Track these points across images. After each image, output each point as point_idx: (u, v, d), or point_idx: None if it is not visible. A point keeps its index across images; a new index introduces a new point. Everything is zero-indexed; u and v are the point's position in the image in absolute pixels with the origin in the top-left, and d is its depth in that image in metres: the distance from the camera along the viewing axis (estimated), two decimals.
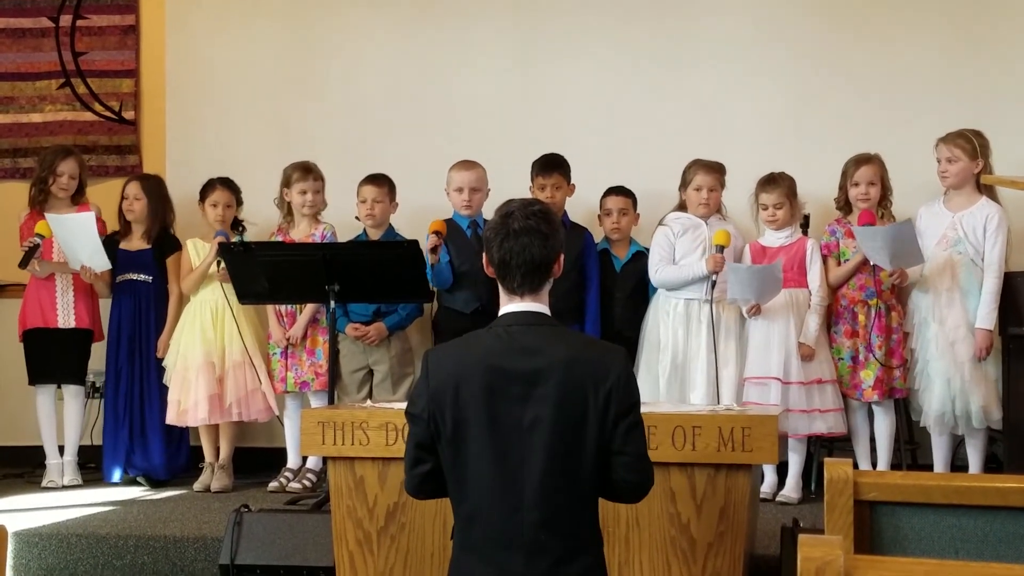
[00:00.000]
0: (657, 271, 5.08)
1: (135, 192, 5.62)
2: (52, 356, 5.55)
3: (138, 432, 5.52)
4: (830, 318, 5.10)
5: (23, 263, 5.35)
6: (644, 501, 2.98)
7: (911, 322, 4.95)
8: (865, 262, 4.92)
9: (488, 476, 2.56)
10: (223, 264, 4.96)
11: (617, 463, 2.60)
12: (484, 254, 2.72)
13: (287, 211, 5.48)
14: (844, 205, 5.11)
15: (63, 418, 5.60)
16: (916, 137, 5.06)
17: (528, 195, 5.25)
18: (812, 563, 1.43)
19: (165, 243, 5.62)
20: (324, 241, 5.31)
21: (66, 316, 5.54)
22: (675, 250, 5.08)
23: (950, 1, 5.61)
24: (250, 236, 5.50)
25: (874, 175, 5.01)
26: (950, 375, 4.77)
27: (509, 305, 2.69)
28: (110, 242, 5.58)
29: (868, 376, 4.93)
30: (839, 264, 5.07)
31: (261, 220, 5.62)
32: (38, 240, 5.32)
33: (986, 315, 4.75)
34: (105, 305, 5.68)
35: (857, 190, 5.00)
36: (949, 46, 5.57)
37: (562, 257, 2.73)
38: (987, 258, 4.79)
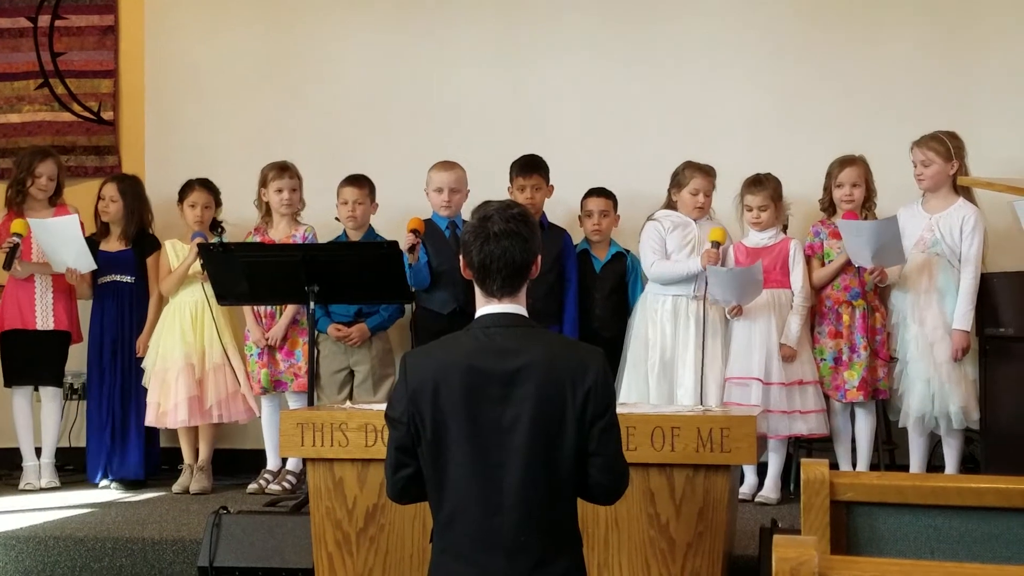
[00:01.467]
0: (653, 264, 5.08)
1: (111, 193, 5.60)
2: (29, 358, 5.51)
3: (119, 434, 5.48)
4: (814, 319, 5.12)
5: (6, 265, 5.31)
6: (623, 502, 2.99)
7: (890, 322, 4.98)
8: (848, 263, 4.93)
9: (468, 477, 2.56)
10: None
11: (592, 465, 2.61)
12: (462, 256, 2.72)
13: (265, 211, 5.46)
14: (828, 206, 5.13)
15: (40, 420, 5.56)
16: (899, 138, 5.07)
17: (507, 196, 5.27)
18: (787, 563, 1.44)
19: (144, 243, 5.61)
20: (305, 242, 5.30)
21: (45, 318, 5.51)
22: (665, 245, 5.09)
23: (933, 2, 5.63)
24: (229, 239, 5.48)
25: (858, 176, 5.03)
26: (929, 376, 4.79)
27: (487, 307, 2.69)
28: (90, 244, 5.55)
29: (853, 376, 4.95)
30: (823, 265, 5.08)
31: (240, 221, 5.60)
32: (17, 240, 5.29)
33: (962, 315, 4.78)
34: (85, 307, 5.65)
35: (841, 191, 5.02)
36: (931, 47, 5.60)
37: (539, 258, 2.73)
38: (963, 258, 4.81)
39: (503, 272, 2.65)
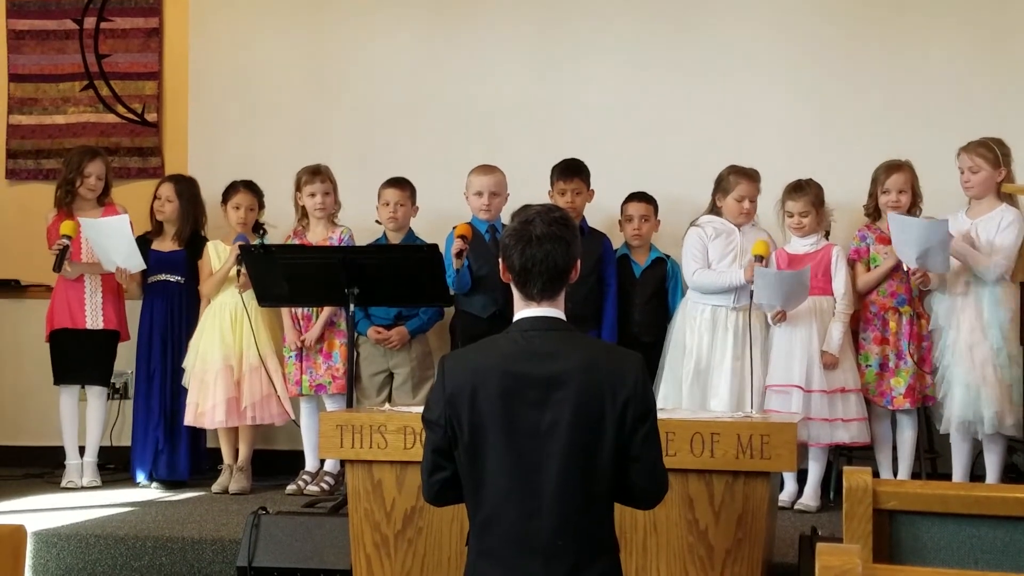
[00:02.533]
0: (695, 273, 5.06)
1: (168, 193, 5.64)
2: (78, 356, 5.56)
3: (168, 433, 5.53)
4: (858, 324, 5.07)
5: (57, 267, 5.36)
6: (662, 507, 3.01)
7: (930, 329, 4.93)
8: (895, 269, 4.88)
9: (505, 481, 2.56)
10: (243, 272, 4.97)
11: (632, 469, 2.61)
12: (501, 260, 2.72)
13: (302, 214, 5.49)
14: (873, 211, 5.09)
15: (85, 419, 5.61)
16: (939, 144, 5.02)
17: (547, 200, 5.26)
18: (831, 571, 1.43)
19: (197, 245, 5.63)
20: (342, 244, 5.32)
21: (94, 317, 5.55)
22: (708, 253, 5.07)
23: (973, 7, 5.58)
24: (271, 240, 5.52)
25: (905, 182, 4.99)
26: (969, 380, 4.73)
27: (525, 310, 2.69)
28: (142, 242, 5.60)
29: (899, 383, 4.91)
30: (868, 270, 5.04)
31: (282, 223, 5.63)
32: (66, 241, 5.34)
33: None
34: (135, 306, 5.69)
35: (888, 197, 4.98)
36: (971, 53, 5.56)
37: (579, 263, 2.73)
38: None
39: (544, 276, 2.65)
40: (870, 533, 1.80)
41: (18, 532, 2.57)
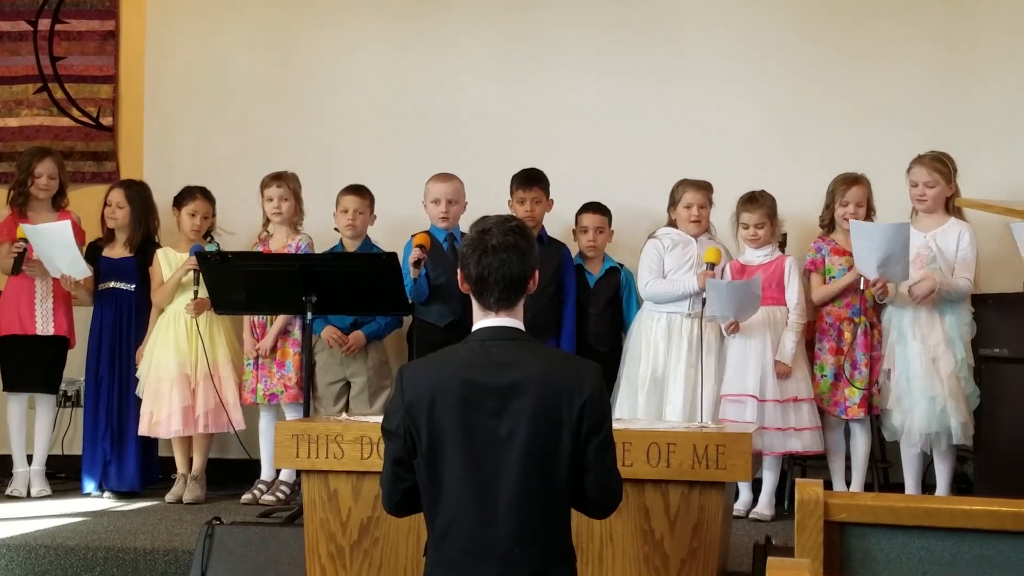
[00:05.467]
0: (648, 284, 5.09)
1: (118, 199, 5.57)
2: (27, 363, 5.48)
3: (116, 443, 5.46)
4: (814, 335, 5.12)
5: (15, 270, 5.30)
6: (617, 517, 3.06)
7: (887, 339, 4.96)
8: (853, 283, 4.91)
9: (463, 489, 2.57)
10: (198, 295, 4.92)
11: (586, 479, 2.62)
12: (460, 269, 2.73)
13: (266, 220, 5.47)
14: (829, 223, 5.14)
15: (32, 427, 5.53)
16: (895, 157, 5.09)
17: (507, 208, 5.27)
18: None
19: (148, 251, 5.56)
20: (300, 252, 5.30)
21: (45, 323, 5.48)
22: (664, 264, 5.10)
23: (932, 21, 5.66)
24: (227, 246, 5.47)
25: (863, 196, 5.05)
26: (935, 392, 4.77)
27: (484, 320, 2.71)
28: (93, 249, 5.54)
29: (854, 393, 4.95)
30: (824, 281, 5.09)
31: (240, 230, 5.60)
32: (23, 244, 5.28)
33: (946, 282, 4.75)
34: (84, 313, 5.62)
35: (846, 209, 5.02)
36: (929, 68, 5.63)
37: (537, 273, 2.75)
38: (958, 269, 4.81)
39: (500, 285, 2.67)
40: (821, 545, 1.82)
41: None
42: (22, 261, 5.29)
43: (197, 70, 6.14)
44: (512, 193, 5.32)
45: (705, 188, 5.15)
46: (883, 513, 1.86)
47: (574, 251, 5.41)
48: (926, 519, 1.85)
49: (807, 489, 1.88)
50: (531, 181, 5.28)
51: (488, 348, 2.65)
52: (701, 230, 5.15)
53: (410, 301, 4.81)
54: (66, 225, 5.31)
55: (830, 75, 5.69)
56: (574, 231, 5.41)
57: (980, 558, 1.84)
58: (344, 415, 3.81)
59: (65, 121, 6.28)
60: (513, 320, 2.70)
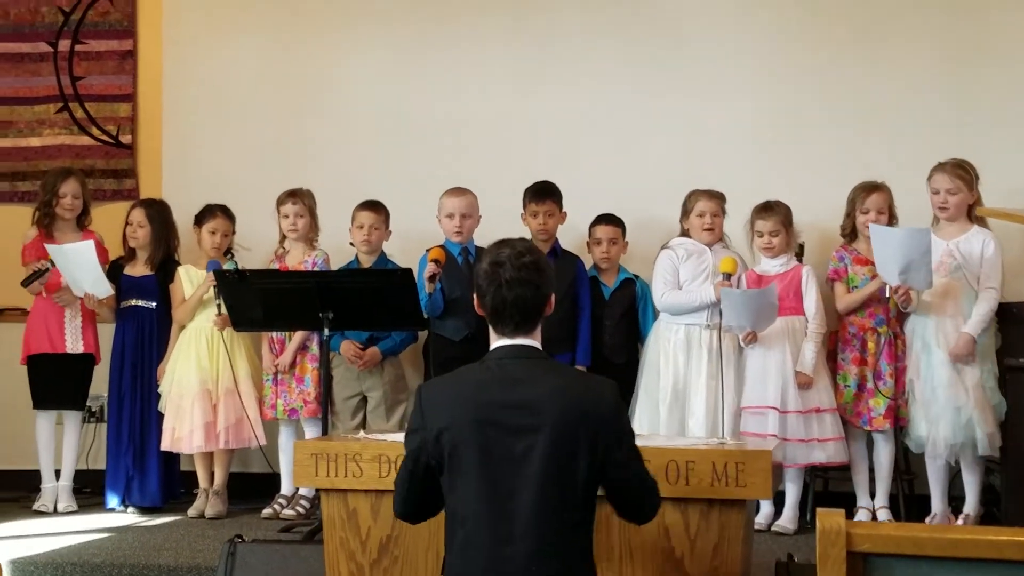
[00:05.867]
0: (663, 295, 5.07)
1: (139, 219, 5.61)
2: (56, 381, 5.53)
3: (139, 458, 5.49)
4: (836, 344, 5.09)
5: (27, 282, 5.35)
6: (637, 535, 3.14)
7: (911, 349, 4.90)
8: (877, 291, 4.87)
9: (480, 507, 2.58)
10: (222, 310, 4.95)
11: (616, 492, 2.67)
12: (476, 297, 2.76)
13: (282, 236, 5.49)
14: (850, 232, 5.11)
15: (61, 443, 5.57)
16: (909, 166, 5.07)
17: (519, 222, 5.28)
18: None
19: (169, 269, 5.60)
20: (316, 268, 5.32)
21: (74, 341, 5.53)
22: (679, 275, 5.08)
23: (944, 27, 5.62)
24: (244, 262, 5.50)
25: (884, 203, 5.02)
26: (960, 403, 4.72)
27: (501, 339, 2.72)
28: (114, 267, 5.58)
29: (879, 404, 4.91)
30: (848, 291, 5.05)
31: (257, 246, 5.62)
32: (48, 265, 5.33)
33: (976, 323, 4.71)
34: (106, 330, 5.66)
35: (867, 217, 4.98)
36: (939, 76, 5.59)
37: (553, 298, 2.76)
38: (983, 280, 4.77)
39: (516, 317, 2.71)
40: None
41: None
42: (37, 279, 5.33)
43: (214, 88, 6.17)
44: (525, 206, 5.32)
45: (717, 197, 5.13)
46: (906, 544, 1.84)
47: (588, 263, 5.40)
48: (950, 550, 1.83)
49: (829, 519, 1.86)
50: (544, 194, 5.28)
51: (505, 366, 2.67)
52: (715, 239, 5.13)
53: (425, 316, 4.81)
54: (90, 245, 5.35)
55: (843, 83, 5.64)
56: (588, 243, 5.40)
57: None
58: (362, 433, 3.81)
59: (85, 140, 6.33)
60: (530, 339, 2.72)
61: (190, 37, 6.24)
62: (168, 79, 6.23)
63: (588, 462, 2.59)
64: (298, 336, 5.33)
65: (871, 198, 5.01)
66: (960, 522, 4.76)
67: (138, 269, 5.63)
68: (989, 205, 4.89)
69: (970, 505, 4.83)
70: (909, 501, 5.10)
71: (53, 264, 5.34)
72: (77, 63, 6.34)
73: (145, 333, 5.58)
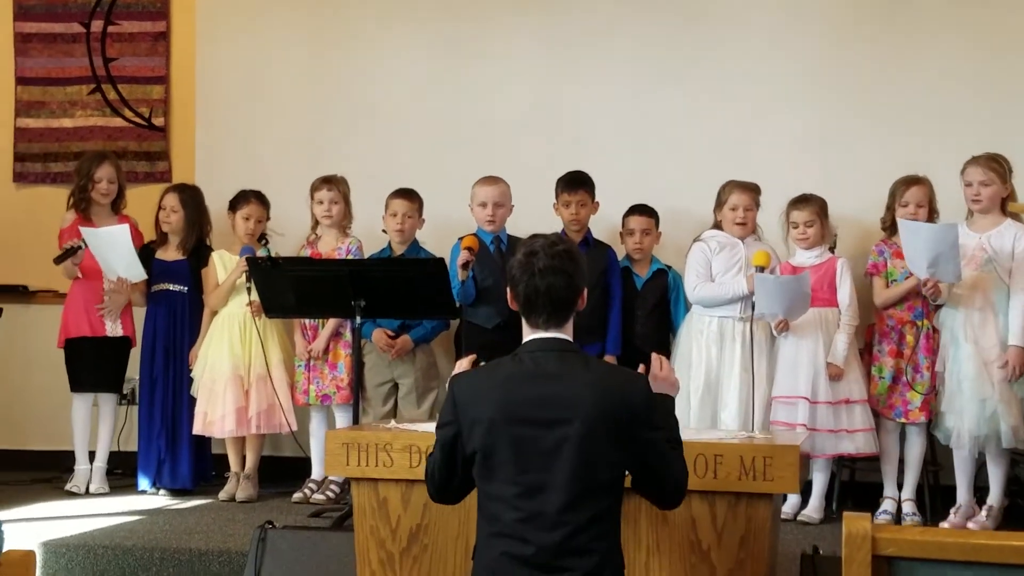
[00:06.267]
0: (696, 288, 5.08)
1: (172, 204, 5.64)
2: (94, 364, 5.58)
3: (170, 441, 5.54)
4: (872, 336, 5.09)
5: (59, 260, 5.40)
6: (664, 527, 3.19)
7: (942, 343, 4.90)
8: (916, 286, 4.87)
9: (512, 499, 2.61)
10: (254, 297, 4.97)
11: (650, 477, 2.72)
12: (509, 289, 2.78)
13: (315, 223, 5.52)
14: (890, 226, 5.09)
15: (96, 425, 5.63)
16: (942, 159, 5.04)
17: (552, 212, 5.28)
18: None
19: (201, 254, 5.63)
20: (349, 256, 5.35)
21: (113, 324, 5.58)
22: (711, 267, 5.08)
23: (976, 22, 5.56)
24: (277, 247, 5.54)
25: (923, 196, 5.00)
26: (986, 395, 4.71)
27: (533, 333, 2.75)
28: (146, 251, 5.61)
29: (915, 397, 4.91)
30: (887, 285, 5.05)
31: (289, 231, 5.65)
32: (80, 244, 5.37)
33: (1019, 331, 4.70)
34: (139, 313, 5.70)
35: (906, 211, 4.97)
36: (971, 68, 5.53)
37: (585, 292, 2.78)
38: (1016, 275, 4.76)
39: (548, 307, 2.72)
40: None
41: (27, 558, 2.63)
42: (68, 257, 5.38)
43: (247, 72, 6.18)
44: (557, 196, 5.32)
45: (752, 190, 5.12)
46: (931, 548, 1.87)
47: (621, 253, 5.41)
48: (973, 554, 1.86)
49: (855, 523, 1.89)
50: (577, 184, 5.28)
51: (538, 360, 2.69)
52: (747, 232, 5.12)
53: (457, 304, 4.84)
54: (125, 229, 5.40)
55: (874, 77, 5.59)
56: (621, 233, 5.40)
57: None
58: (393, 422, 3.85)
59: (118, 122, 6.36)
60: (562, 333, 2.74)
61: (223, 20, 6.24)
62: (201, 61, 6.24)
63: (619, 455, 2.63)
64: (331, 322, 5.36)
65: (911, 191, 5.00)
66: (983, 513, 4.78)
67: (170, 253, 5.67)
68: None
69: (994, 497, 4.83)
70: (934, 492, 5.12)
71: (86, 244, 5.38)
72: (110, 44, 6.36)
73: (177, 317, 5.61)
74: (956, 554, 1.87)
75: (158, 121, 6.34)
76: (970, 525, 4.74)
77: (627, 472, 2.70)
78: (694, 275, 5.10)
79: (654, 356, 3.02)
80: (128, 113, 6.36)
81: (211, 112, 6.22)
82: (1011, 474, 4.95)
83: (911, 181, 5.03)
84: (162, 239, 5.71)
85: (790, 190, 5.12)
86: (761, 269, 4.85)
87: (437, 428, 2.76)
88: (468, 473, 2.71)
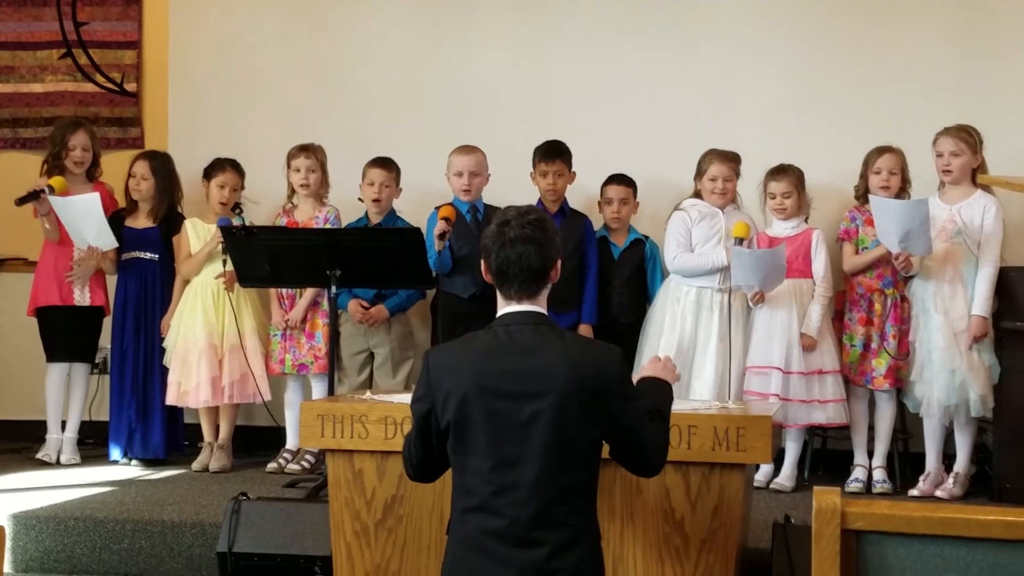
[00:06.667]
0: (675, 258, 5.09)
1: (143, 171, 5.59)
2: (66, 333, 5.54)
3: (142, 411, 5.51)
4: (843, 305, 5.13)
5: (20, 201, 5.31)
6: (639, 497, 3.24)
7: (913, 312, 4.96)
8: (884, 255, 4.92)
9: (486, 471, 2.62)
10: (228, 265, 4.93)
11: (626, 446, 2.72)
12: (483, 260, 2.77)
13: (291, 191, 5.49)
14: (863, 193, 5.11)
15: (68, 395, 5.60)
16: (920, 130, 5.06)
17: (529, 182, 5.26)
18: None
19: (172, 222, 5.58)
20: (327, 225, 5.32)
21: (82, 293, 5.53)
22: (691, 236, 5.10)
23: None
24: (252, 216, 5.50)
25: (895, 165, 5.03)
26: (955, 365, 4.78)
27: (507, 307, 2.74)
28: (116, 219, 5.56)
29: (880, 364, 4.98)
30: (857, 251, 5.09)
31: (264, 199, 5.62)
32: (44, 188, 5.29)
33: (982, 302, 4.78)
34: (110, 282, 5.66)
35: (879, 178, 5.01)
36: (951, 39, 5.53)
37: (559, 263, 2.77)
38: (983, 245, 4.81)
39: (520, 277, 2.70)
40: (838, 553, 1.86)
41: None
42: (30, 200, 5.30)
43: (221, 37, 6.10)
44: (535, 166, 5.31)
45: (732, 159, 5.13)
46: (899, 522, 1.90)
47: (598, 223, 5.40)
48: (940, 528, 1.89)
49: (824, 498, 1.91)
50: (553, 153, 5.27)
51: (511, 333, 2.69)
52: (726, 202, 5.13)
53: (434, 274, 4.83)
54: (95, 198, 5.34)
55: (856, 46, 5.58)
56: (599, 203, 5.39)
57: (994, 566, 1.88)
58: (368, 393, 3.85)
59: (89, 87, 6.28)
60: (536, 306, 2.73)
61: None
62: (174, 26, 6.15)
63: (593, 428, 2.63)
64: (309, 292, 5.34)
65: (883, 158, 5.03)
66: (951, 480, 4.87)
67: (140, 221, 5.62)
68: (997, 172, 4.90)
69: (960, 464, 4.93)
70: (904, 460, 5.18)
71: (52, 190, 5.30)
72: (80, 8, 6.26)
73: (148, 285, 5.57)
74: (924, 528, 1.90)
75: (130, 87, 6.26)
76: (938, 492, 4.84)
77: (603, 443, 2.71)
78: (674, 244, 5.10)
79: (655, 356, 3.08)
80: (99, 78, 6.27)
81: (184, 78, 6.15)
82: (978, 442, 5.04)
83: (883, 149, 5.06)
84: (132, 207, 5.65)
85: (768, 160, 5.14)
86: (740, 241, 4.87)
87: (412, 403, 2.75)
88: (444, 448, 2.71)
